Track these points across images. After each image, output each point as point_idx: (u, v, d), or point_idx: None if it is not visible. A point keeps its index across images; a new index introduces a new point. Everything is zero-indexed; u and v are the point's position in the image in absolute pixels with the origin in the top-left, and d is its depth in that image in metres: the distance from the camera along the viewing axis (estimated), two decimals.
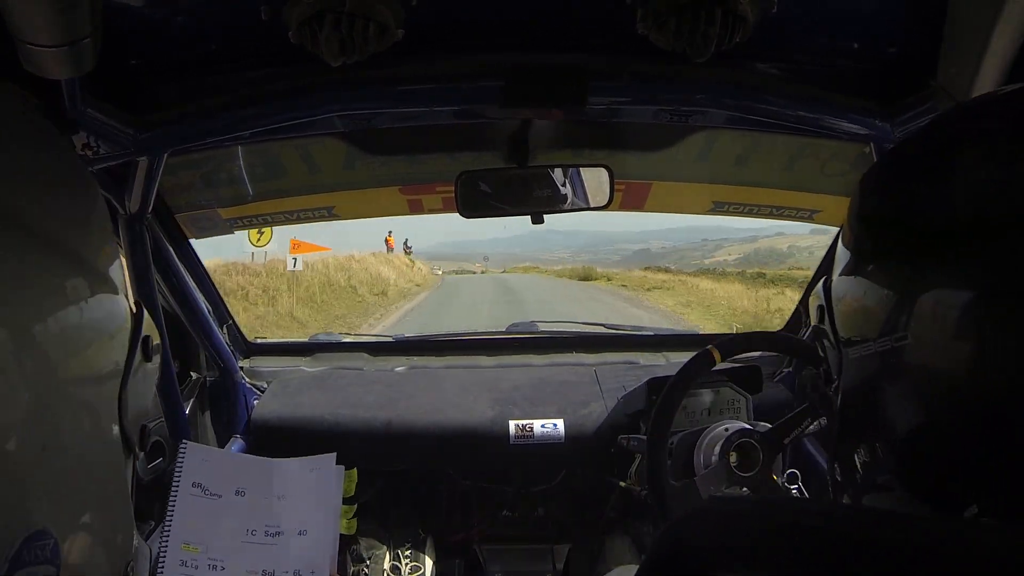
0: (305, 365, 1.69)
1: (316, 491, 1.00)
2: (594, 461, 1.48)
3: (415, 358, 1.74)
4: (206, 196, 1.44)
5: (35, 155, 0.51)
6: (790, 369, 1.61)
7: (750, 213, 1.61)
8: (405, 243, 31.73)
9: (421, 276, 24.17)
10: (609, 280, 26.65)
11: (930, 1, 0.81)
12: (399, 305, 15.46)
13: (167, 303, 1.36)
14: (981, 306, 0.37)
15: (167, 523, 0.92)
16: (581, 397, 1.50)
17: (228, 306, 1.59)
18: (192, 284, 1.42)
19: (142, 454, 0.54)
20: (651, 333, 1.88)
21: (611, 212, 1.45)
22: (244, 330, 1.64)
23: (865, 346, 0.44)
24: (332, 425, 1.47)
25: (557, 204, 1.30)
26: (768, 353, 1.55)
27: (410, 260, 26.52)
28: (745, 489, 1.13)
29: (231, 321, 1.58)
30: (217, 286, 1.55)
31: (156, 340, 0.56)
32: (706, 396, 1.33)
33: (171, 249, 1.35)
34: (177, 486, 0.94)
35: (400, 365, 1.70)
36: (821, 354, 0.52)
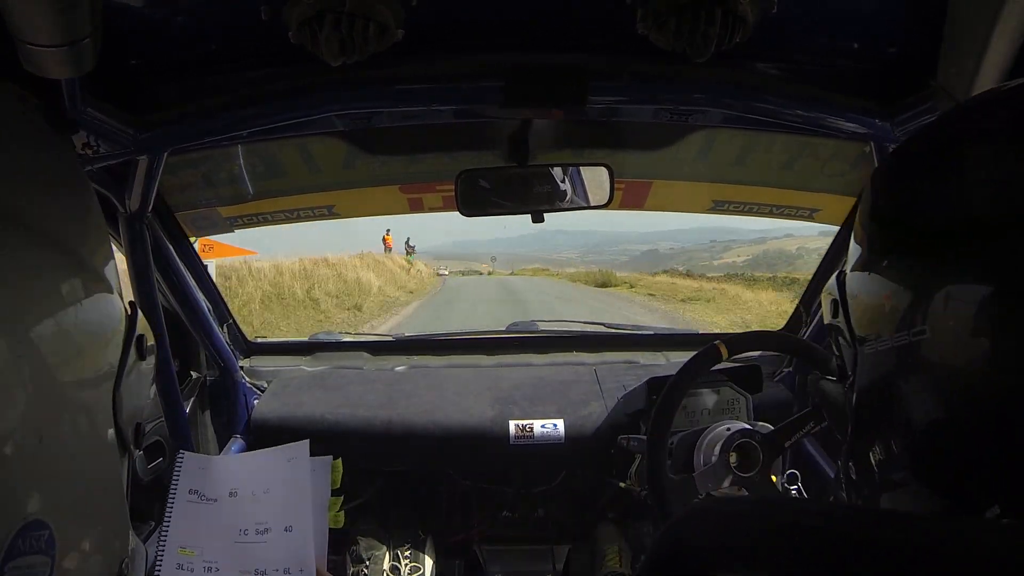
0: (305, 364, 1.69)
1: (296, 482, 1.01)
2: (594, 461, 1.48)
3: (415, 357, 1.74)
4: (206, 195, 1.44)
5: (34, 155, 0.52)
6: (790, 369, 1.61)
7: (750, 212, 1.61)
8: (407, 242, 30.45)
9: (418, 280, 21.69)
10: (632, 287, 23.01)
11: (930, 1, 0.81)
12: (375, 323, 12.38)
13: (167, 302, 1.36)
14: (1000, 300, 0.36)
15: (164, 528, 0.94)
16: (581, 397, 1.50)
17: (228, 305, 1.59)
18: (192, 283, 1.42)
19: (139, 452, 0.54)
20: (651, 333, 1.88)
21: (618, 213, 1.45)
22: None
23: (881, 341, 0.43)
24: (332, 424, 1.47)
25: (557, 203, 1.30)
26: (768, 353, 1.56)
27: (407, 261, 24.83)
28: (743, 489, 1.14)
29: (231, 320, 1.58)
30: None
31: (151, 340, 0.57)
32: (706, 396, 1.33)
33: (171, 248, 1.35)
34: (174, 494, 0.96)
35: (400, 364, 1.70)
36: (836, 352, 0.52)
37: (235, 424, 1.52)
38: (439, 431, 1.46)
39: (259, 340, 1.73)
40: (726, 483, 1.13)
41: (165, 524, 0.94)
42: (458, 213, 1.30)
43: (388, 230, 27.67)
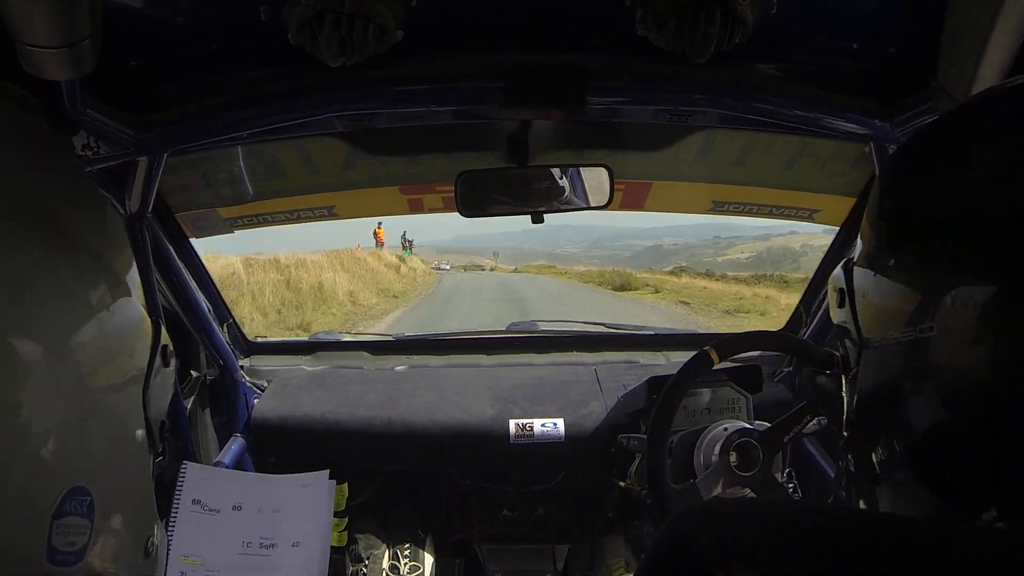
0: (305, 364, 1.70)
1: (309, 505, 1.03)
2: (594, 461, 1.48)
3: (415, 357, 1.74)
4: (206, 196, 1.44)
5: (57, 159, 0.59)
6: (790, 369, 1.61)
7: (750, 212, 1.61)
8: (403, 236, 28.80)
9: (408, 280, 19.09)
10: (658, 292, 19.76)
11: (930, 1, 0.81)
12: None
13: (167, 302, 1.37)
14: (1008, 300, 0.36)
15: (168, 536, 0.95)
16: (581, 396, 1.50)
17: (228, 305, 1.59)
18: (192, 283, 1.42)
19: (161, 445, 0.62)
20: (651, 332, 1.88)
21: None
22: None
23: (887, 337, 0.43)
24: (332, 424, 1.47)
25: (557, 204, 1.30)
26: (768, 353, 1.56)
27: (399, 258, 22.88)
28: (747, 489, 1.13)
29: (231, 320, 1.59)
30: None
31: (171, 347, 0.63)
32: (706, 396, 1.33)
33: (171, 249, 1.35)
34: (178, 504, 0.98)
35: (400, 364, 1.70)
36: (839, 346, 0.52)
37: (235, 423, 1.52)
38: (439, 430, 1.46)
39: (259, 340, 1.73)
40: (729, 486, 1.13)
41: (169, 532, 0.95)
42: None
43: (380, 223, 25.10)
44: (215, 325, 1.50)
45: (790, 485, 1.23)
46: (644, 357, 1.70)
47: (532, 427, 1.45)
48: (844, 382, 0.51)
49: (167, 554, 0.96)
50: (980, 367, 0.37)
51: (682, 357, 1.30)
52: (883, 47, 0.93)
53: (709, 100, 1.01)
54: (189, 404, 1.43)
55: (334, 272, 14.48)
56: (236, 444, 1.48)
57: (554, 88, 0.96)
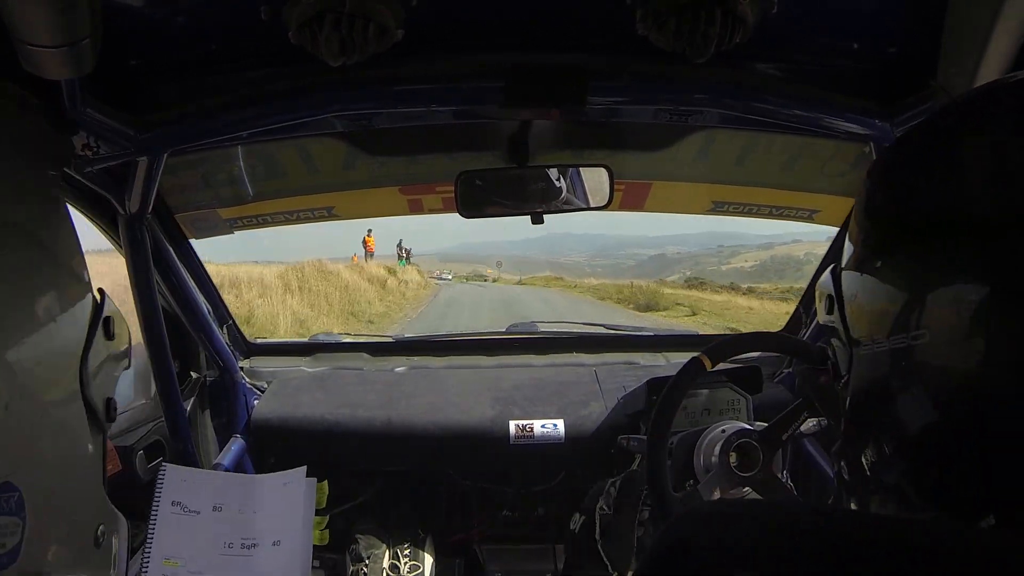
0: (305, 365, 1.69)
1: (289, 504, 1.03)
2: (594, 462, 1.48)
3: (415, 358, 1.74)
4: (206, 196, 1.44)
5: None
6: (790, 369, 1.61)
7: (749, 213, 1.61)
8: (399, 245, 26.26)
9: (393, 297, 15.49)
10: (695, 315, 17.06)
11: (930, 1, 0.81)
12: None
13: (167, 303, 1.36)
14: (1002, 303, 0.35)
15: (148, 539, 0.95)
16: (581, 397, 1.50)
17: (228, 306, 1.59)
18: (192, 284, 1.42)
19: (109, 425, 0.58)
20: (651, 333, 1.88)
21: (625, 216, 1.45)
22: None
23: (877, 343, 0.42)
24: (332, 425, 1.47)
25: (557, 204, 1.30)
26: (768, 353, 1.55)
27: (388, 269, 20.16)
28: (748, 489, 1.13)
29: (231, 321, 1.58)
30: None
31: (121, 322, 0.59)
32: (706, 397, 1.33)
33: (171, 249, 1.35)
34: (157, 505, 0.98)
35: (400, 365, 1.70)
36: (831, 357, 0.51)
37: (235, 424, 1.52)
38: (439, 431, 1.46)
39: (259, 341, 1.73)
40: (731, 488, 1.13)
41: (149, 535, 0.95)
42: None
43: (369, 230, 22.85)
44: (215, 326, 1.49)
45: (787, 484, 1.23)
46: (644, 358, 1.70)
47: (532, 428, 1.44)
48: (837, 383, 0.51)
49: (140, 551, 0.95)
50: (973, 369, 0.37)
51: (682, 358, 1.30)
52: (883, 47, 0.93)
53: (709, 100, 1.01)
54: (189, 405, 1.43)
55: (284, 293, 11.26)
56: (236, 445, 1.48)
57: (554, 88, 0.96)
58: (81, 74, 0.71)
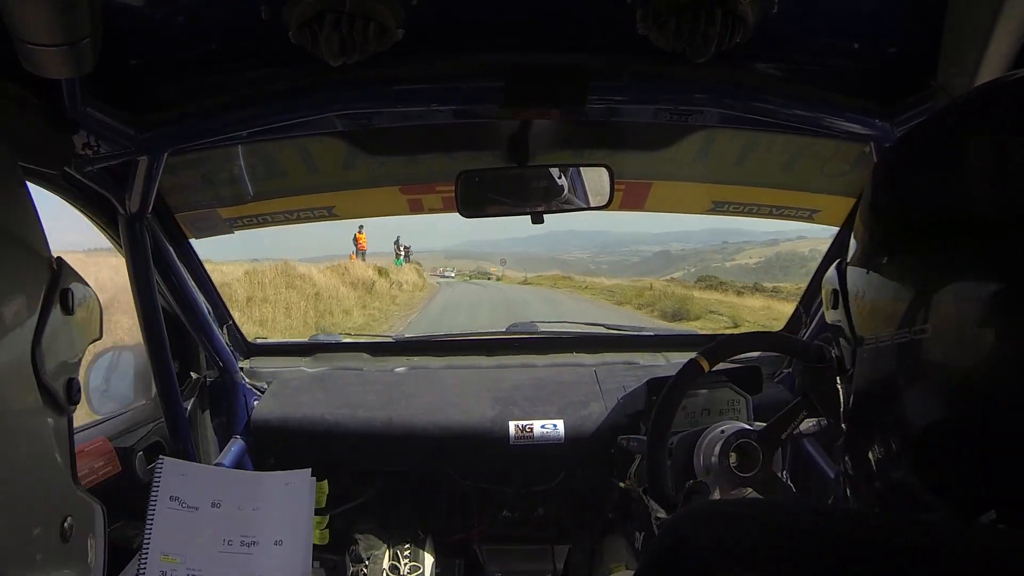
0: (305, 365, 1.69)
1: (291, 503, 1.03)
2: (594, 461, 1.48)
3: (415, 358, 1.74)
4: (206, 196, 1.44)
5: None
6: (790, 369, 1.61)
7: (750, 213, 1.61)
8: (396, 242, 25.54)
9: (378, 304, 14.01)
10: (737, 326, 12.98)
11: (930, 1, 0.81)
12: None
13: (167, 303, 1.36)
14: (1006, 299, 0.36)
15: (147, 535, 0.94)
16: (581, 397, 1.50)
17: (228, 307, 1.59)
18: (192, 284, 1.42)
19: (73, 407, 0.52)
20: (651, 333, 1.88)
21: (628, 213, 1.45)
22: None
23: (882, 339, 0.43)
24: (332, 425, 1.47)
25: (557, 203, 1.30)
26: (768, 353, 1.55)
27: (379, 270, 18.61)
28: (749, 489, 1.13)
29: (231, 321, 1.58)
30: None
31: (83, 293, 0.54)
32: (706, 397, 1.33)
33: (171, 249, 1.35)
34: (155, 500, 0.97)
35: (400, 365, 1.70)
36: (829, 355, 0.51)
37: (235, 425, 1.52)
38: (439, 431, 1.46)
39: (259, 341, 1.73)
40: (731, 489, 1.12)
41: (147, 530, 0.95)
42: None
43: (361, 227, 20.80)
44: (215, 326, 1.49)
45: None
46: (644, 358, 1.70)
47: (532, 428, 1.44)
48: (840, 380, 0.51)
49: (146, 554, 0.94)
50: (975, 366, 0.37)
51: (682, 358, 1.30)
52: (883, 47, 0.93)
53: (709, 100, 1.01)
54: (189, 406, 1.43)
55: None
56: (236, 446, 1.48)
57: (554, 88, 0.96)
58: (81, 73, 0.71)
